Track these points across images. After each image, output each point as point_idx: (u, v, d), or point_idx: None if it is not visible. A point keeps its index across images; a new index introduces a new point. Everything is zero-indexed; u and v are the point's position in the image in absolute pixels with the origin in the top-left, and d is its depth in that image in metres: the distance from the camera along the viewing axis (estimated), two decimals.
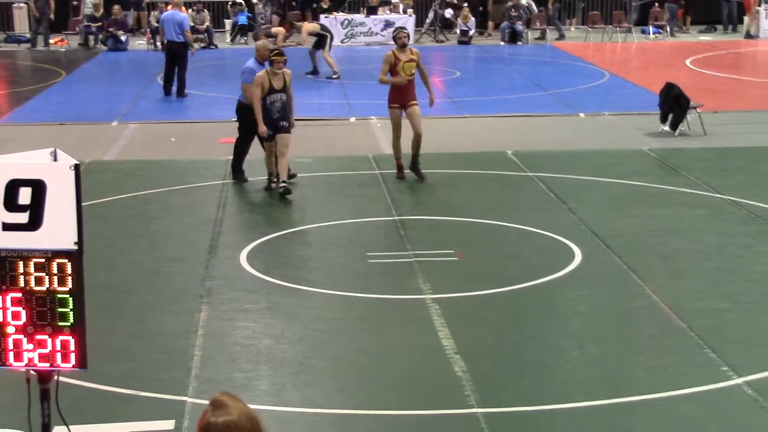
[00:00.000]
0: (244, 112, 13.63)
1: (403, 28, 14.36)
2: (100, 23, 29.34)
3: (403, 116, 13.66)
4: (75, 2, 30.69)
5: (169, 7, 22.38)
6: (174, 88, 20.89)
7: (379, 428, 7.25)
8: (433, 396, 7.62)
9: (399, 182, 13.63)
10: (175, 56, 20.66)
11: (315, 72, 23.71)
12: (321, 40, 23.50)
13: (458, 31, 30.22)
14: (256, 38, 24.42)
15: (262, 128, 12.88)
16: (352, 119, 18.65)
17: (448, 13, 30.44)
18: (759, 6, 30.79)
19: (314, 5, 31.38)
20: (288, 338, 8.71)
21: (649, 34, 30.80)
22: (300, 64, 23.37)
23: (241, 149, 13.96)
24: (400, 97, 13.67)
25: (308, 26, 24.35)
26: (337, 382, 7.95)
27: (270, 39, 24.27)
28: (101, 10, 29.49)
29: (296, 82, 22.66)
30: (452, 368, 7.99)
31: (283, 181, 12.91)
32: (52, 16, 29.46)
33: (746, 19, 30.71)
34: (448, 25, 31.42)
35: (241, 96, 13.82)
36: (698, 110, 17.13)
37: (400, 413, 7.37)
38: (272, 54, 12.95)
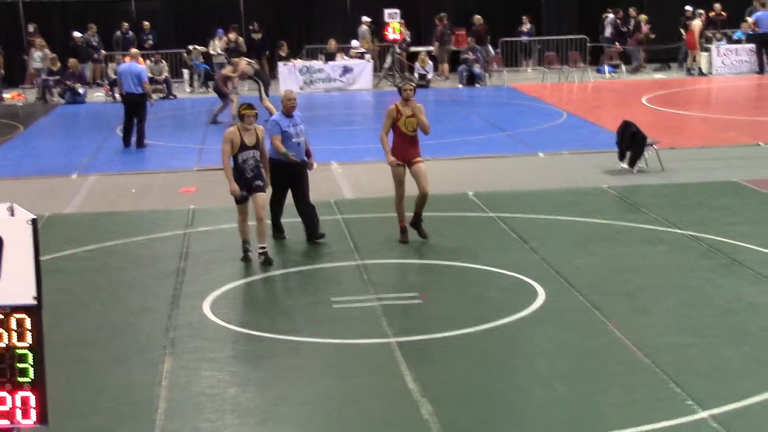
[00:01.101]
0: (272, 165, 12.70)
1: (409, 80, 13.54)
2: (57, 76, 29.29)
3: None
4: (26, 57, 30.63)
5: (127, 59, 22.40)
6: (134, 140, 20.85)
7: None
8: None
9: (361, 226, 13.62)
10: (135, 108, 20.66)
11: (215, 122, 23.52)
12: (264, 83, 23.53)
13: (416, 75, 30.41)
14: (216, 89, 24.29)
15: (234, 186, 12.02)
16: (315, 165, 18.65)
17: (429, 68, 30.54)
18: (709, 43, 31.24)
19: (271, 53, 31.47)
20: (253, 386, 8.66)
21: (604, 73, 31.16)
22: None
23: (275, 205, 13.21)
24: (404, 154, 12.75)
25: (244, 64, 24.07)
26: (303, 429, 7.90)
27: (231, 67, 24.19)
28: (58, 64, 29.45)
29: None
30: (419, 412, 7.97)
31: (262, 247, 12.14)
32: (1, 71, 29.39)
33: (691, 57, 31.14)
34: (409, 69, 31.62)
35: (270, 150, 12.86)
36: (655, 147, 17.31)
37: None
38: (241, 108, 12.23)
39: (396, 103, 12.85)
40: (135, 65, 21.00)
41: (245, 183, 12.09)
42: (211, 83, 30.31)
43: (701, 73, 30.58)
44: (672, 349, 9.15)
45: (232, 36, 30.75)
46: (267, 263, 12.01)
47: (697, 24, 30.80)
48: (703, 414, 7.74)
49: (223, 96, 23.53)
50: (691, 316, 10.06)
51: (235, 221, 12.98)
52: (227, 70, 23.78)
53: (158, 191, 16.84)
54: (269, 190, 12.63)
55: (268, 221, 12.68)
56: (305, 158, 13.09)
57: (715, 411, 7.77)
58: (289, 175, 12.91)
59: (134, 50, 23.18)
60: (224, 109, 23.42)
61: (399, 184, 12.81)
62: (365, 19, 31.74)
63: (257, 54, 31.43)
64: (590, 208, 14.44)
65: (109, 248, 13.20)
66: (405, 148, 12.76)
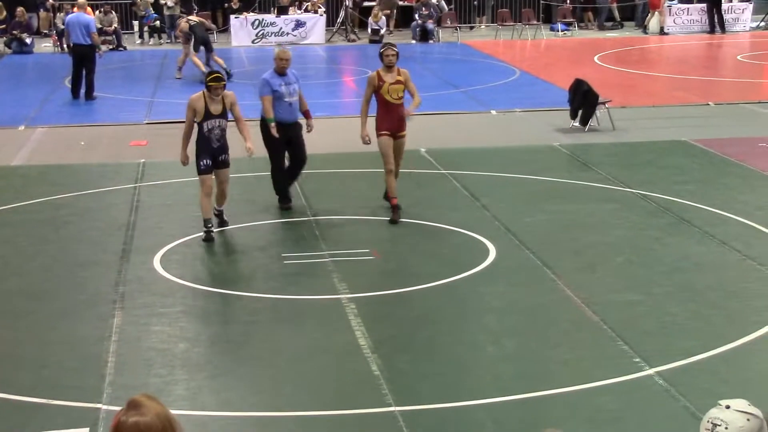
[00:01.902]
0: (264, 128, 12.37)
1: (391, 45, 12.16)
2: (3, 26, 28.78)
3: None
4: None
5: (75, 9, 22.05)
6: (82, 91, 20.58)
7: (297, 429, 7.23)
8: (350, 395, 7.62)
9: (313, 182, 13.54)
10: (83, 59, 20.36)
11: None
12: (195, 41, 23.08)
13: (369, 30, 30.27)
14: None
15: (183, 154, 11.46)
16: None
17: (382, 23, 30.30)
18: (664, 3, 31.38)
19: (224, 5, 31.19)
20: (203, 341, 8.65)
21: (557, 31, 31.20)
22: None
23: (277, 172, 12.55)
24: (389, 124, 11.85)
25: (183, 25, 23.74)
26: (254, 385, 7.91)
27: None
28: (4, 13, 28.94)
29: (200, 85, 22.52)
30: (369, 367, 8.00)
31: (218, 210, 11.66)
32: None
33: (652, 15, 31.24)
34: (360, 24, 31.46)
35: (261, 111, 12.47)
36: (607, 106, 17.39)
37: (319, 414, 7.36)
38: (208, 78, 11.45)
39: (378, 70, 11.99)
40: (83, 15, 20.66)
41: (210, 153, 11.33)
42: (163, 35, 29.99)
43: (662, 32, 30.66)
44: (620, 306, 9.25)
45: None
46: (222, 225, 11.64)
47: None
48: (650, 371, 7.84)
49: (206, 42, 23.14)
50: (639, 274, 10.17)
51: (187, 176, 12.88)
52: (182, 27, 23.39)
53: (108, 144, 16.66)
54: (265, 154, 12.19)
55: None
56: (299, 118, 12.46)
57: (662, 368, 7.88)
58: (286, 137, 12.30)
59: (82, 0, 22.80)
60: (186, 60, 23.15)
61: (386, 156, 11.89)
62: None
63: (213, 6, 31.10)
64: (541, 166, 14.50)
65: (58, 201, 13.06)
66: (391, 118, 11.84)
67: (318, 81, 23.11)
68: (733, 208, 12.23)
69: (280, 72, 12.28)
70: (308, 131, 12.47)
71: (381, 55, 11.98)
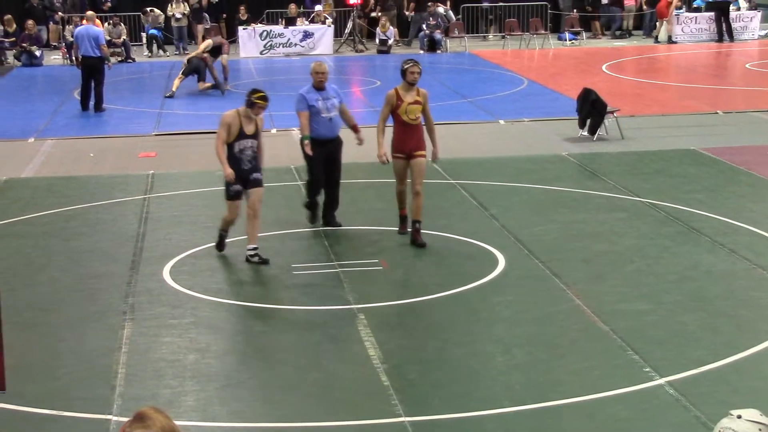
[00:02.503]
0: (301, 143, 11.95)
1: (415, 62, 11.49)
2: (13, 38, 28.89)
3: None
4: None
5: (84, 21, 22.11)
6: (91, 103, 20.63)
7: None
8: (360, 406, 7.61)
9: (322, 193, 13.52)
10: (92, 71, 20.42)
11: (216, 86, 23.35)
12: (218, 49, 23.18)
13: (377, 40, 30.31)
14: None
15: (229, 170, 10.61)
16: (273, 131, 18.58)
17: (390, 34, 30.32)
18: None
19: (224, 16, 31.17)
20: (214, 352, 8.65)
21: (565, 40, 31.21)
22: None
23: (312, 183, 12.11)
24: (404, 145, 11.39)
25: (203, 47, 23.70)
26: (264, 395, 7.90)
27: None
28: (14, 25, 29.04)
29: (208, 97, 22.67)
30: (379, 377, 7.99)
31: (253, 248, 10.85)
32: None
33: (660, 24, 31.21)
34: (368, 34, 31.50)
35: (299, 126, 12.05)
36: (615, 115, 17.39)
37: (329, 425, 7.35)
38: (256, 96, 10.70)
39: (396, 87, 11.45)
40: (92, 28, 20.73)
41: (240, 175, 10.69)
42: (168, 48, 30.03)
43: (670, 41, 30.62)
44: (630, 315, 9.23)
45: None
46: (264, 263, 10.77)
47: None
48: (661, 380, 7.82)
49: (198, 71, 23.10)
50: (649, 283, 10.15)
51: (195, 187, 12.90)
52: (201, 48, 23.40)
53: (117, 156, 16.69)
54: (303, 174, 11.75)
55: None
56: (338, 135, 12.00)
57: (672, 377, 7.86)
58: (325, 153, 11.86)
59: (90, 12, 22.88)
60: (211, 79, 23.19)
61: (398, 179, 11.51)
62: None
63: (215, 17, 31.18)
64: (550, 176, 14.49)
65: (67, 213, 13.08)
66: (405, 139, 11.35)
67: None
68: (742, 216, 12.21)
69: (318, 86, 11.82)
70: (358, 144, 12.05)
71: (404, 71, 11.37)
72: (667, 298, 9.69)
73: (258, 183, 10.82)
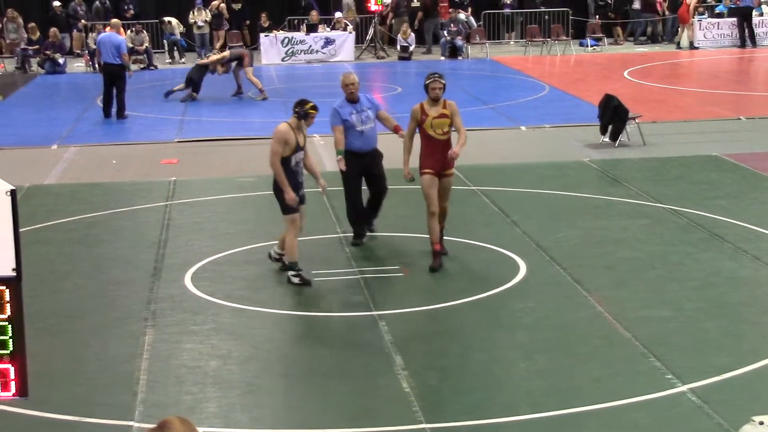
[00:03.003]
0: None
1: (438, 75, 10.93)
2: (37, 46, 29.07)
3: None
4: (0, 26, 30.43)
5: (107, 28, 22.23)
6: (114, 110, 20.73)
7: None
8: (382, 412, 7.62)
9: (343, 199, 13.53)
10: (113, 78, 20.53)
11: (239, 92, 23.45)
12: (240, 60, 23.23)
13: (399, 47, 30.33)
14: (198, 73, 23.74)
15: (292, 194, 10.30)
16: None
17: (411, 40, 30.34)
18: (693, 17, 31.27)
19: (247, 23, 31.29)
20: (235, 359, 8.67)
21: (587, 46, 31.14)
22: (225, 86, 23.38)
23: (348, 203, 11.88)
24: (434, 162, 10.75)
25: (215, 58, 23.73)
26: (285, 401, 7.92)
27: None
28: (37, 33, 29.22)
29: (231, 103, 22.75)
30: (400, 384, 7.99)
31: (280, 254, 10.79)
32: None
33: (682, 30, 31.10)
34: (389, 41, 31.51)
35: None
36: (637, 121, 17.34)
37: (349, 431, 7.35)
38: (309, 106, 10.49)
39: (422, 102, 10.93)
40: (114, 35, 20.84)
41: (296, 188, 10.42)
42: (189, 55, 30.15)
43: (692, 47, 30.52)
44: (652, 322, 9.20)
45: (216, 3, 30.59)
46: (305, 283, 10.43)
47: None
48: (683, 388, 7.79)
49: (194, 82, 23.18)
50: (671, 289, 10.11)
51: (216, 194, 12.89)
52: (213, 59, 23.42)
53: (139, 162, 16.77)
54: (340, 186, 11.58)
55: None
56: (375, 147, 11.70)
57: (695, 385, 7.83)
58: (360, 167, 11.63)
59: (115, 20, 22.98)
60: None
61: (428, 198, 10.82)
62: None
63: (238, 25, 31.29)
64: (572, 182, 14.46)
65: (90, 219, 13.15)
66: (435, 156, 10.75)
67: None
68: (765, 223, 12.14)
69: (351, 99, 11.56)
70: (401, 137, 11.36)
71: (426, 87, 10.88)
72: (689, 304, 9.65)
73: (304, 200, 10.67)
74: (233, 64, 23.11)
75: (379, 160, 11.84)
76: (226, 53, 23.66)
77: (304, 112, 10.46)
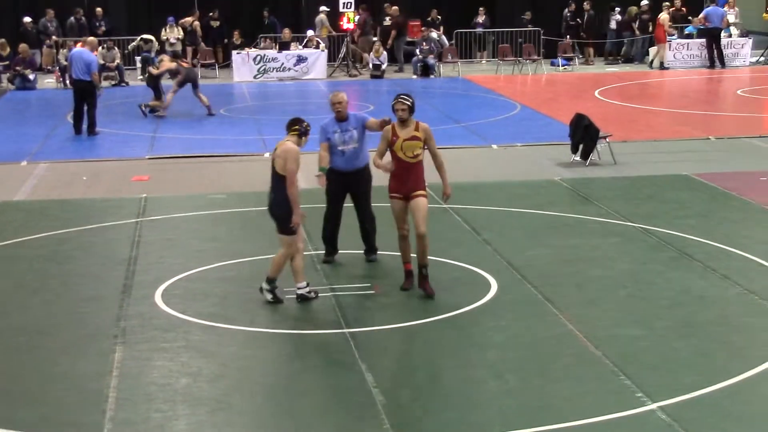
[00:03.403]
0: (327, 174, 11.50)
1: (404, 96, 10.61)
2: (7, 62, 28.92)
3: None
4: None
5: (79, 45, 22.11)
6: (85, 127, 20.64)
7: None
8: (353, 430, 7.59)
9: (315, 217, 13.52)
10: (83, 94, 20.47)
11: (210, 113, 23.32)
12: (194, 83, 23.15)
13: (370, 65, 30.39)
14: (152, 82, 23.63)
15: (299, 217, 10.22)
16: (266, 155, 18.58)
17: (383, 59, 30.38)
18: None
19: (225, 41, 31.33)
20: (205, 376, 8.62)
21: (558, 66, 31.31)
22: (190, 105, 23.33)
23: (325, 219, 11.82)
24: (400, 185, 10.49)
25: (167, 64, 23.69)
26: (256, 420, 7.88)
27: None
28: (8, 49, 29.07)
29: (202, 120, 22.73)
30: (371, 402, 7.97)
31: (303, 286, 10.48)
32: None
33: (655, 50, 31.26)
34: (359, 59, 31.56)
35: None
36: (608, 140, 17.44)
37: None
38: (306, 125, 10.46)
39: (393, 123, 10.62)
40: (86, 52, 20.76)
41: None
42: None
43: (662, 67, 30.73)
44: (622, 341, 9.23)
45: (189, 20, 30.55)
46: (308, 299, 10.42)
47: (665, 17, 30.95)
48: (653, 406, 7.82)
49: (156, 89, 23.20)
50: (641, 308, 10.15)
51: (188, 211, 12.80)
52: (165, 67, 23.32)
53: (110, 179, 16.69)
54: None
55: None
56: (359, 168, 11.53)
57: (664, 403, 7.86)
58: (343, 185, 11.58)
59: (92, 38, 22.91)
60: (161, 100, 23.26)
61: (397, 221, 10.59)
62: (323, 8, 31.59)
63: (213, 42, 31.26)
64: (543, 200, 14.52)
65: (60, 236, 13.06)
66: (403, 178, 10.45)
67: (319, 116, 23.10)
68: (734, 242, 12.23)
69: (339, 117, 11.41)
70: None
71: (393, 107, 10.64)
72: (659, 323, 9.70)
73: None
74: (189, 85, 22.90)
75: (364, 181, 11.69)
76: (173, 65, 23.43)
77: (304, 129, 10.38)
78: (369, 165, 11.57)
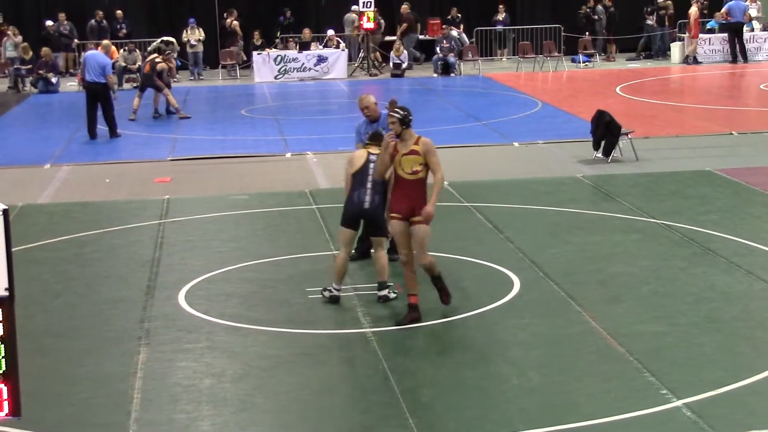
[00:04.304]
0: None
1: (395, 110, 9.84)
2: (29, 66, 29.09)
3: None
4: None
5: (99, 48, 22.17)
6: (106, 130, 20.68)
7: None
8: (376, 430, 7.60)
9: (336, 216, 13.53)
10: (96, 96, 20.44)
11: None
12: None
13: (391, 64, 30.39)
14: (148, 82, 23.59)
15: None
16: (288, 155, 18.65)
17: (404, 57, 30.36)
18: (683, 33, 31.34)
19: (239, 42, 31.40)
20: (229, 377, 8.65)
21: (579, 62, 31.23)
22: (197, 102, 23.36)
23: None
24: (401, 205, 9.59)
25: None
26: (280, 419, 7.90)
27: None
28: (30, 53, 29.24)
29: (223, 121, 22.79)
30: (394, 401, 7.97)
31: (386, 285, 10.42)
32: None
33: (687, 43, 31.02)
34: (384, 59, 31.56)
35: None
36: (629, 136, 17.38)
37: None
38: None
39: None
40: (99, 55, 20.81)
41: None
42: (180, 73, 30.17)
43: (695, 62, 30.54)
44: (646, 337, 9.19)
45: (230, 21, 30.70)
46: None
47: (694, 11, 30.80)
48: (678, 403, 7.78)
49: (156, 88, 23.23)
50: (665, 304, 10.11)
51: (210, 212, 12.83)
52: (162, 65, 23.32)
53: (132, 181, 16.76)
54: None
55: None
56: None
57: (690, 400, 7.82)
58: None
59: (106, 42, 22.99)
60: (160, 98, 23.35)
61: (399, 245, 9.75)
62: (355, 7, 31.42)
63: (232, 42, 31.34)
64: (565, 198, 14.48)
65: (83, 238, 13.13)
66: (404, 197, 9.58)
67: (340, 116, 23.23)
68: (759, 237, 12.17)
69: (371, 119, 11.36)
70: None
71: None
72: (683, 319, 9.66)
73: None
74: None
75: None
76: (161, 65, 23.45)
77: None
78: None
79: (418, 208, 9.53)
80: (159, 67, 22.81)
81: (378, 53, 31.61)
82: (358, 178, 10.26)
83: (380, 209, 10.22)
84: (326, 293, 10.40)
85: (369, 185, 10.24)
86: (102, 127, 20.76)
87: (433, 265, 9.79)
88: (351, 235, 10.41)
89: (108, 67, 20.64)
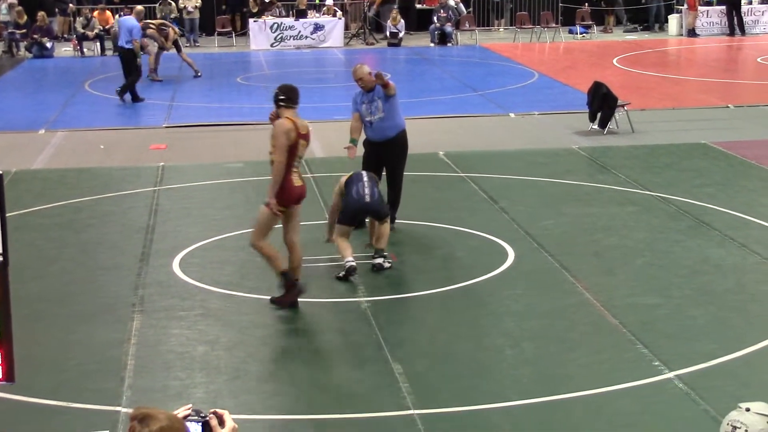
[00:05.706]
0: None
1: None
2: (24, 30, 28.93)
3: None
4: None
5: (132, 13, 22.04)
6: (144, 92, 20.73)
7: None
8: (369, 399, 7.62)
9: (331, 185, 13.52)
10: (122, 62, 20.48)
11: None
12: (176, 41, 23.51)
13: (388, 33, 30.28)
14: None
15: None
16: None
17: (401, 26, 30.22)
18: (681, 5, 31.21)
19: (243, 9, 31.28)
20: (223, 344, 8.66)
21: (576, 34, 31.13)
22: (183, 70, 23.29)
23: None
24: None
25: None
26: (273, 388, 7.92)
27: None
28: (24, 17, 29.07)
29: (219, 88, 22.71)
30: (388, 370, 7.99)
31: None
32: None
33: (685, 15, 30.88)
34: (377, 27, 31.45)
35: None
36: (626, 108, 17.35)
37: (337, 417, 7.36)
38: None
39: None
40: (129, 19, 20.78)
41: None
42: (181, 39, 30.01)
43: (693, 34, 30.42)
44: (639, 309, 9.22)
45: None
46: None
47: None
48: (670, 374, 7.82)
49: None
50: (659, 276, 10.13)
51: (205, 179, 12.83)
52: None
53: (127, 148, 16.71)
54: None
55: None
56: (390, 137, 11.48)
57: (682, 371, 7.85)
58: (375, 155, 11.54)
59: (140, 7, 22.92)
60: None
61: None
62: None
63: (231, 10, 31.20)
64: (560, 169, 14.47)
65: (78, 205, 13.11)
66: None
67: (336, 84, 23.15)
68: (753, 210, 12.17)
69: (367, 90, 11.43)
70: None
71: None
72: (677, 292, 9.68)
73: None
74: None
75: (395, 151, 11.60)
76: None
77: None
78: (403, 134, 11.64)
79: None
80: (149, 32, 22.83)
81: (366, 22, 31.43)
82: (352, 176, 10.59)
83: (380, 199, 10.58)
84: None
85: (365, 178, 10.52)
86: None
87: (263, 251, 9.39)
88: (349, 230, 10.49)
89: (135, 30, 20.46)
